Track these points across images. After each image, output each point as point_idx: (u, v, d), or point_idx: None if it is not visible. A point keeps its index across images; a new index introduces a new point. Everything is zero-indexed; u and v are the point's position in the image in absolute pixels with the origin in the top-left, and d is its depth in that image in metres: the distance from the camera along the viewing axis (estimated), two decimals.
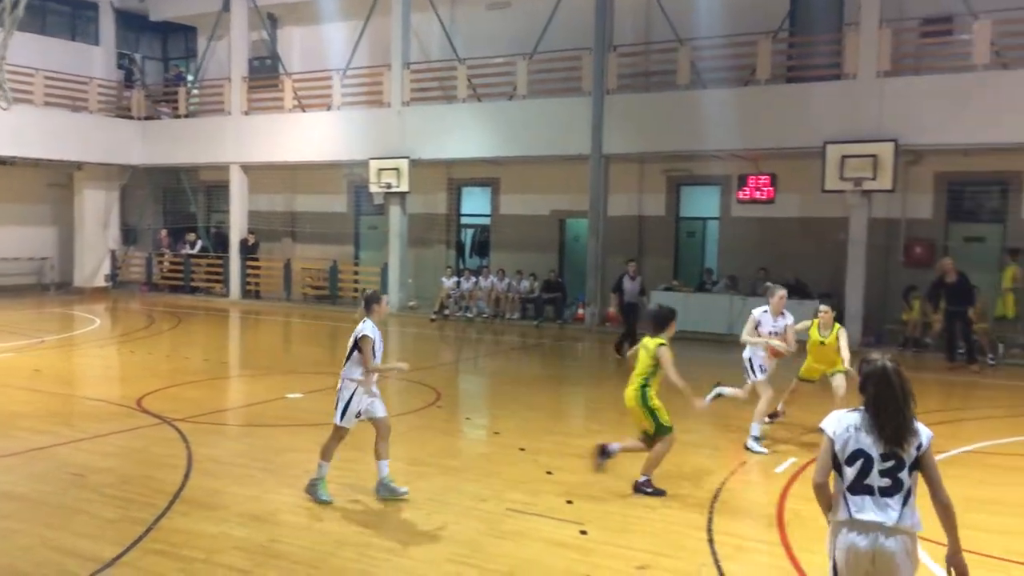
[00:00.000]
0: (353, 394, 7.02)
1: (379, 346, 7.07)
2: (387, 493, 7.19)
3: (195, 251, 26.71)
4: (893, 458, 3.69)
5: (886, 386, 3.73)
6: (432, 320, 21.20)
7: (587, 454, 8.79)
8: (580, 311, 21.05)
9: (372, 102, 23.24)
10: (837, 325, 9.65)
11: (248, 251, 25.39)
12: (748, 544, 6.39)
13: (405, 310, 22.54)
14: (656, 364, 7.37)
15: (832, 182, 17.13)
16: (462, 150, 21.71)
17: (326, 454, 7.14)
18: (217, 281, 25.99)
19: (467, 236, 25.05)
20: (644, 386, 7.42)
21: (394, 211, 22.75)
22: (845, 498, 3.77)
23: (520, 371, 15.27)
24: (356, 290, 23.48)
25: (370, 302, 7.15)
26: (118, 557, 5.87)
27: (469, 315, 21.60)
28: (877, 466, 3.70)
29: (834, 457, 3.82)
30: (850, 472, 3.76)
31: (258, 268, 25.63)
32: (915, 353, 16.77)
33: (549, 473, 8.16)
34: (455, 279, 22.12)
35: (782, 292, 9.58)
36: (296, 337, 20.33)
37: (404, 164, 21.97)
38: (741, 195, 20.38)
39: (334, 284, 24.43)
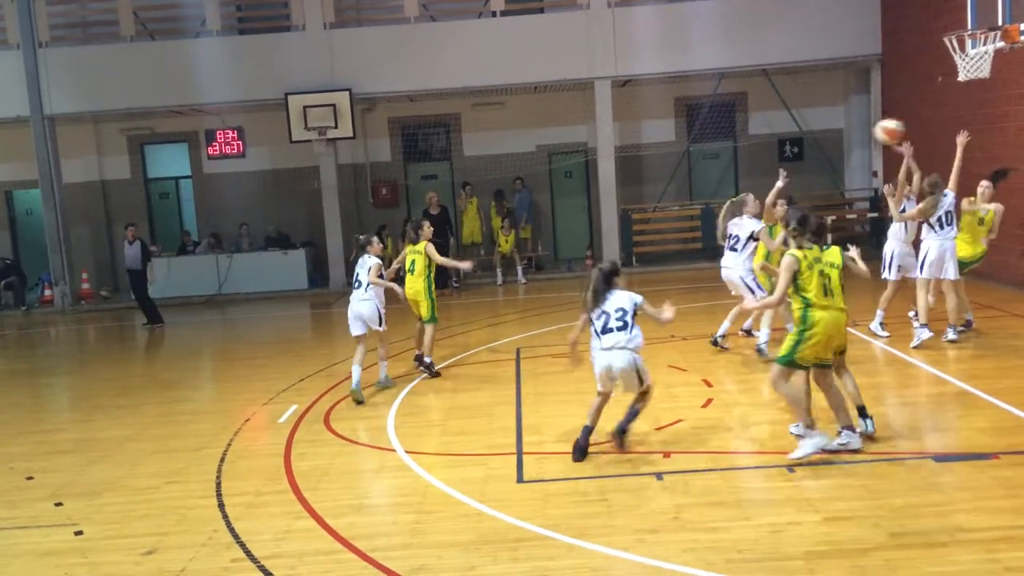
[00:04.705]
0: (380, 304, 9.00)
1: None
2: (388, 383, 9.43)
3: None
4: (622, 310, 6.65)
5: (592, 280, 6.74)
6: None
7: (74, 448, 8.09)
8: (47, 292, 18.84)
9: None
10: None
11: None
12: (259, 499, 6.42)
13: None
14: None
15: (298, 132, 17.53)
16: None
17: (376, 357, 9.36)
18: None
19: None
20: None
21: None
22: (599, 336, 6.69)
23: None
24: None
25: (364, 246, 8.99)
26: None
27: None
28: (613, 315, 6.65)
29: (591, 320, 6.77)
30: (598, 324, 6.72)
31: None
32: None
33: (30, 478, 7.27)
34: None
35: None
36: None
37: None
38: (212, 151, 19.88)
39: None
